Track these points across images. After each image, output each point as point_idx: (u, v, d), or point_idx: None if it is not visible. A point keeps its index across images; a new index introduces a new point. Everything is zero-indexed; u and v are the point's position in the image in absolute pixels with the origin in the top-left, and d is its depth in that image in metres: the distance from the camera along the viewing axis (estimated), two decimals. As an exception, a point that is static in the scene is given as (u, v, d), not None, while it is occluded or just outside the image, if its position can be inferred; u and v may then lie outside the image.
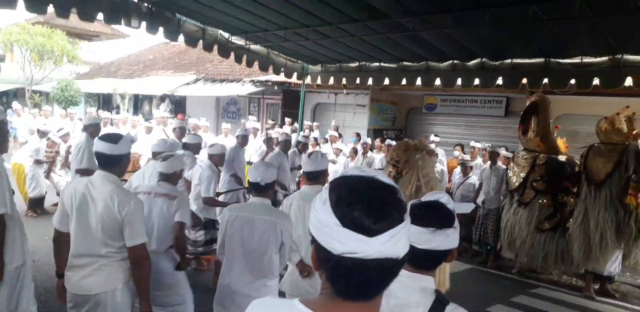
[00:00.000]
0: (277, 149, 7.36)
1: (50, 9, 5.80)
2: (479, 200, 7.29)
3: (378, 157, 8.29)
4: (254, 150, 9.21)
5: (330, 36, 6.11)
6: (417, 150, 4.22)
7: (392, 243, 0.90)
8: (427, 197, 1.62)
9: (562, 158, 6.07)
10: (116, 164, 2.82)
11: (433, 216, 1.53)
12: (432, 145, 8.49)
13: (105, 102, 19.12)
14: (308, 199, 3.35)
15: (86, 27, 21.92)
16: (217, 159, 5.49)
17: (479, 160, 8.36)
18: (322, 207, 0.95)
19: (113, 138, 2.83)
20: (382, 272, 0.93)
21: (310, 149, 10.04)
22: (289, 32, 6.37)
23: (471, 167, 7.64)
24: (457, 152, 8.87)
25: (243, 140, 7.32)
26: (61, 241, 2.83)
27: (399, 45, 6.21)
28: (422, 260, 1.52)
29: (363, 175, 0.99)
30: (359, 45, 6.51)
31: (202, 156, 6.41)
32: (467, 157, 7.94)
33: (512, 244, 6.21)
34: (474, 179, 7.57)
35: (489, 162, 7.30)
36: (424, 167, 4.03)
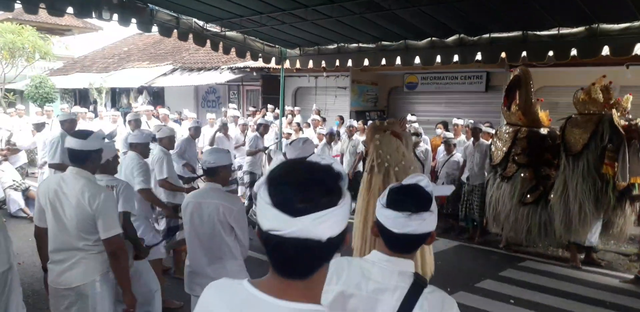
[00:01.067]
0: (254, 133, 7.89)
1: (18, 5, 5.63)
2: (464, 177, 7.36)
3: (360, 139, 8.27)
4: (234, 137, 9.19)
5: (306, 19, 6.03)
6: (380, 130, 4.15)
7: (314, 225, 0.93)
8: (406, 180, 1.62)
9: (543, 131, 6.16)
10: (85, 159, 2.86)
11: (409, 199, 1.53)
12: (414, 125, 8.54)
13: (82, 97, 18.78)
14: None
15: (57, 22, 21.33)
16: (167, 142, 5.52)
17: (462, 137, 8.41)
18: (261, 186, 0.99)
19: (82, 134, 2.88)
20: (305, 252, 0.96)
21: (294, 135, 10.05)
22: (265, 17, 6.27)
23: (454, 145, 7.70)
24: (439, 130, 8.91)
25: (195, 132, 7.49)
26: (42, 236, 2.93)
27: (376, 25, 6.15)
28: (400, 244, 1.54)
29: (309, 160, 1.04)
30: (336, 26, 6.44)
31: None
32: (450, 134, 7.98)
33: (497, 219, 6.32)
34: (457, 156, 7.63)
35: (472, 139, 7.35)
36: (382, 147, 3.95)
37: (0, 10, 5.83)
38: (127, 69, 17.75)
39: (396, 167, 3.88)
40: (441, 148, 8.12)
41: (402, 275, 1.52)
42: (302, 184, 0.96)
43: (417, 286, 1.49)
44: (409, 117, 9.88)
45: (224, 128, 8.64)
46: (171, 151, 5.78)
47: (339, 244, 1.00)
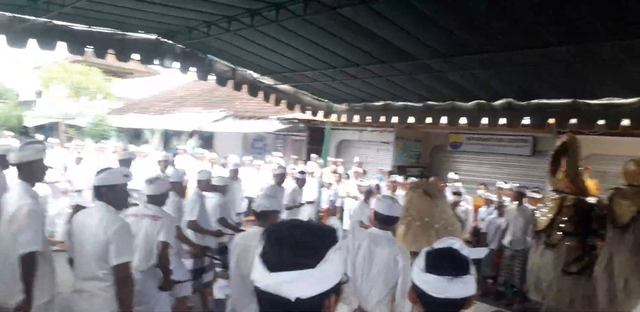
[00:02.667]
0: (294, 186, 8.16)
1: (89, 49, 6.13)
2: (506, 241, 7.14)
3: (401, 195, 8.20)
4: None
5: (356, 76, 6.25)
6: (414, 188, 4.56)
7: (287, 283, 0.96)
8: (439, 244, 1.63)
9: (591, 200, 5.96)
10: (107, 194, 3.03)
11: (448, 263, 1.53)
12: (456, 184, 8.44)
13: (136, 137, 19.63)
14: (378, 243, 3.28)
15: (121, 65, 22.83)
16: (204, 185, 5.79)
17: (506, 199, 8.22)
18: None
19: (104, 170, 3.14)
20: (275, 309, 0.99)
21: (334, 185, 10.10)
22: (317, 73, 6.54)
23: (504, 206, 7.47)
24: (480, 191, 8.77)
25: (234, 175, 8.18)
26: None
27: (424, 85, 6.30)
28: (440, 310, 1.52)
29: (310, 222, 1.11)
30: (384, 85, 6.63)
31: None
32: (493, 196, 7.83)
33: (538, 287, 6.02)
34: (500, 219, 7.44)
35: (515, 203, 7.19)
36: (412, 205, 4.29)
37: (73, 54, 6.36)
38: (182, 113, 18.58)
39: (418, 222, 4.15)
40: (483, 209, 7.95)
41: None
42: (287, 242, 1.01)
43: None
44: (451, 175, 9.79)
45: (278, 177, 8.64)
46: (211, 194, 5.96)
47: (314, 306, 0.99)
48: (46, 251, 3.13)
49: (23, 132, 23.52)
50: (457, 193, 7.47)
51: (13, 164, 3.22)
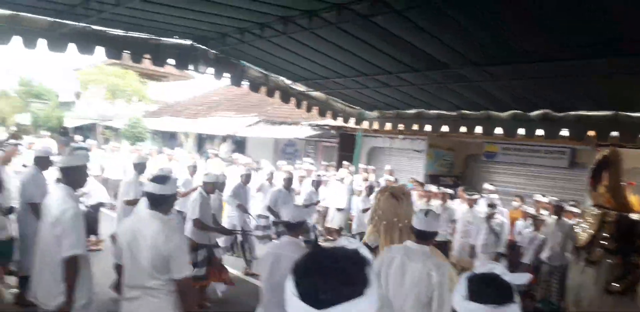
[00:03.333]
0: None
1: (126, 54, 6.25)
2: (544, 256, 6.89)
3: (435, 204, 8.03)
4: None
5: (389, 84, 6.17)
6: (382, 192, 5.10)
7: None
8: (480, 269, 1.55)
9: (634, 216, 5.70)
10: (163, 203, 3.02)
11: (492, 291, 1.44)
12: (492, 195, 8.21)
13: (170, 139, 20.00)
14: (413, 257, 3.21)
15: (157, 69, 23.35)
16: (210, 188, 6.26)
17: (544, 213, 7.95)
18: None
19: (162, 179, 3.05)
20: None
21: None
22: (349, 80, 6.49)
23: (543, 221, 7.22)
24: (515, 203, 8.52)
25: (246, 178, 8.35)
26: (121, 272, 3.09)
27: (458, 94, 6.16)
28: None
29: (334, 247, 1.01)
30: (417, 93, 6.52)
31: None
32: (531, 210, 7.59)
33: (578, 306, 5.81)
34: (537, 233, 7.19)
35: (553, 217, 6.94)
36: (380, 207, 4.84)
37: (111, 59, 6.54)
38: (215, 117, 18.83)
39: (385, 222, 4.68)
40: (520, 222, 7.71)
41: None
42: (325, 274, 0.93)
43: None
44: (486, 186, 9.54)
45: (286, 182, 8.83)
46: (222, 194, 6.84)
47: None
48: (86, 254, 3.19)
49: (62, 132, 24.34)
50: (491, 205, 7.23)
51: (59, 169, 3.31)
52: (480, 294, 1.43)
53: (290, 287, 0.95)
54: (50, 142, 13.44)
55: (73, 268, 3.00)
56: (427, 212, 3.34)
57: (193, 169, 8.80)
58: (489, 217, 7.08)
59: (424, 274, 3.09)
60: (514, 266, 7.43)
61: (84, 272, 3.14)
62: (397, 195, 4.88)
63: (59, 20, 5.45)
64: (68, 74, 25.53)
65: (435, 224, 3.32)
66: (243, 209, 7.85)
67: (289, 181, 8.69)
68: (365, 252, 1.02)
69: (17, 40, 5.54)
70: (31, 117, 23.39)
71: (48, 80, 30.41)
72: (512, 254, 7.77)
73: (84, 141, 16.25)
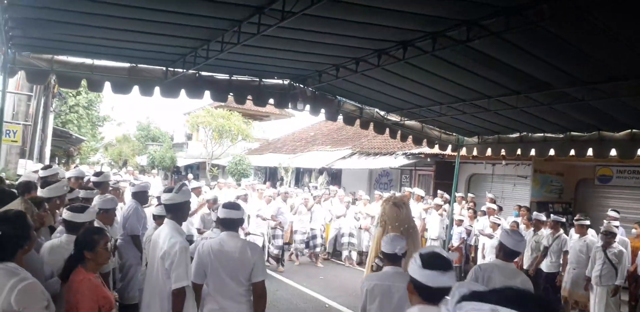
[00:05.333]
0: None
1: (230, 96, 6.73)
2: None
3: (545, 234, 7.46)
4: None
5: (488, 109, 6.02)
6: (386, 201, 6.15)
7: None
8: (425, 249, 2.24)
9: None
10: (237, 225, 3.63)
11: (440, 261, 2.15)
12: (613, 223, 7.50)
13: (272, 174, 20.81)
14: (506, 274, 3.50)
15: (259, 109, 24.65)
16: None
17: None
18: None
19: (234, 206, 3.63)
20: None
21: (467, 222, 9.62)
22: (445, 107, 6.43)
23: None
24: (635, 230, 7.70)
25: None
26: (199, 291, 3.41)
27: (565, 115, 5.84)
28: (435, 297, 2.03)
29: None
30: (519, 116, 6.28)
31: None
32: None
33: None
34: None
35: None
36: (385, 212, 5.95)
37: (217, 101, 7.07)
38: (312, 151, 19.37)
39: (390, 226, 5.79)
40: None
41: None
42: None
43: None
44: (610, 212, 8.78)
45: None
46: None
47: None
48: (191, 285, 3.36)
49: (175, 171, 26.31)
50: (608, 233, 6.57)
51: (164, 205, 3.55)
52: (431, 264, 2.08)
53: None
54: (158, 179, 14.66)
55: (181, 299, 3.17)
56: (519, 234, 3.67)
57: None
58: (605, 246, 6.47)
59: None
60: (637, 298, 6.67)
61: (189, 303, 3.28)
62: (398, 204, 6.04)
63: (172, 69, 6.06)
64: (179, 118, 27.80)
65: (523, 246, 3.71)
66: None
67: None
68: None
69: (135, 89, 6.24)
70: (148, 158, 25.64)
71: (163, 125, 33.38)
72: (634, 286, 6.99)
73: (195, 179, 17.45)
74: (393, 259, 3.28)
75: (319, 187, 15.93)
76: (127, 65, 5.99)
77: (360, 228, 10.63)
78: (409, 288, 2.14)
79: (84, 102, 20.97)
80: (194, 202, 9.83)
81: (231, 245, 3.42)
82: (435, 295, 2.04)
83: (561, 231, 7.31)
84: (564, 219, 7.78)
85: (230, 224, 3.53)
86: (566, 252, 7.10)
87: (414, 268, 2.11)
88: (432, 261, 2.09)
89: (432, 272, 2.05)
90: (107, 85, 6.08)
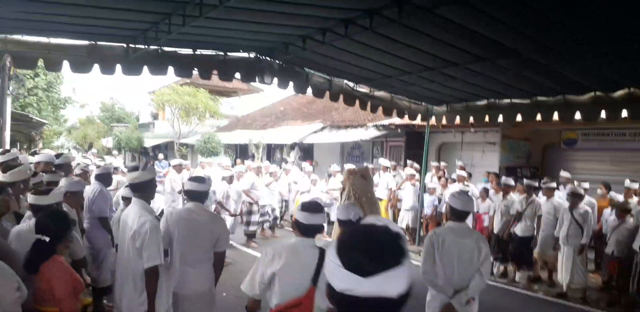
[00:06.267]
0: None
1: (195, 71, 6.55)
2: (635, 245, 6.39)
3: (517, 199, 7.65)
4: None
5: (456, 77, 6.04)
6: (353, 174, 6.44)
7: (385, 283, 1.02)
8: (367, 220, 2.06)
9: None
10: (204, 197, 3.92)
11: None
12: (584, 184, 7.76)
13: (242, 152, 20.64)
14: (460, 234, 3.65)
15: (225, 85, 24.19)
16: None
17: (634, 200, 7.39)
18: (331, 251, 1.10)
19: (199, 179, 3.88)
20: (377, 310, 1.04)
21: (439, 190, 9.80)
22: (413, 76, 6.42)
23: (628, 211, 6.69)
24: (600, 191, 7.99)
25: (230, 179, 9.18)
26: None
27: (531, 80, 5.92)
28: None
29: (370, 223, 1.15)
30: (487, 83, 6.33)
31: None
32: (619, 197, 7.08)
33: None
34: (630, 222, 6.68)
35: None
36: (354, 185, 6.17)
37: (181, 77, 6.89)
38: (282, 126, 19.24)
39: (364, 198, 6.09)
40: (607, 210, 7.22)
41: None
42: (370, 247, 1.05)
43: None
44: (563, 173, 9.08)
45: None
46: None
47: (406, 299, 1.06)
48: (165, 263, 3.31)
49: (143, 152, 25.82)
50: (574, 194, 6.78)
51: (130, 184, 3.47)
52: (307, 207, 2.78)
53: (334, 260, 1.06)
54: (120, 160, 14.64)
55: (154, 278, 3.13)
56: (466, 195, 3.82)
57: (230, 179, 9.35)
58: (572, 207, 6.69)
59: (475, 247, 3.57)
60: (602, 257, 6.98)
61: (162, 281, 3.24)
62: (366, 176, 6.42)
63: (133, 45, 5.83)
64: (144, 97, 27.09)
65: (472, 205, 3.81)
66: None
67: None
68: (395, 227, 1.14)
69: (96, 68, 5.99)
70: (114, 140, 25.03)
71: (127, 105, 32.51)
72: (600, 245, 7.30)
73: (165, 159, 17.19)
74: (348, 225, 3.33)
75: (289, 162, 15.92)
76: (85, 43, 5.73)
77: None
78: (293, 226, 2.83)
79: (43, 84, 20.20)
80: (177, 180, 9.78)
81: (199, 215, 3.74)
82: (308, 230, 2.74)
83: (534, 195, 7.52)
84: (536, 184, 8.00)
85: (197, 196, 3.83)
86: (540, 217, 7.33)
87: (296, 211, 2.83)
88: (308, 206, 2.81)
89: (305, 213, 2.73)
90: (66, 64, 5.79)
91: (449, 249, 3.58)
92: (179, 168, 10.37)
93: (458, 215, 3.70)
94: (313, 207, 2.85)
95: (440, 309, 3.59)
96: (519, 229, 7.38)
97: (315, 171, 12.91)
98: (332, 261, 1.07)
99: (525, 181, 7.82)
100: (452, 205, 3.73)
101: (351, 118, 16.29)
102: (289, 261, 2.67)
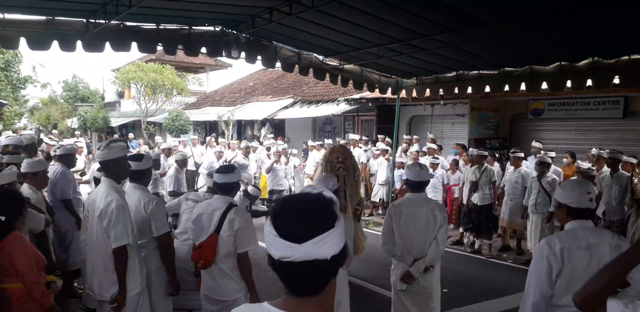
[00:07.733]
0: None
1: (160, 47, 6.35)
2: (599, 211, 6.63)
3: (471, 169, 7.79)
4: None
5: (425, 48, 6.02)
6: (341, 148, 6.08)
7: (318, 247, 1.08)
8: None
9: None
10: (141, 176, 3.61)
11: None
12: (550, 154, 7.95)
13: (212, 129, 20.36)
14: (416, 204, 3.74)
15: (192, 61, 23.63)
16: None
17: (606, 169, 7.58)
18: (267, 222, 1.15)
19: (138, 157, 3.63)
20: (313, 272, 1.11)
21: (410, 162, 9.92)
22: (382, 49, 6.38)
23: (592, 177, 6.90)
24: (565, 160, 8.22)
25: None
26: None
27: (498, 51, 5.95)
28: None
29: (304, 192, 1.31)
30: (455, 54, 6.34)
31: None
32: (586, 164, 7.28)
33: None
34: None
35: (608, 170, 6.66)
36: (347, 159, 5.82)
37: (145, 53, 6.68)
38: (252, 102, 18.98)
39: (357, 172, 5.90)
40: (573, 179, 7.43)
41: None
42: (301, 214, 1.12)
43: None
44: (534, 143, 9.27)
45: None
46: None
47: (341, 260, 1.14)
48: (134, 243, 3.24)
49: (109, 132, 25.20)
50: (542, 163, 6.97)
51: (99, 162, 3.35)
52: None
53: (270, 230, 1.11)
54: (83, 140, 14.41)
55: (123, 258, 3.06)
56: (419, 165, 3.88)
57: (219, 155, 9.48)
58: (540, 175, 6.87)
59: (430, 215, 3.70)
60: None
61: (135, 261, 3.18)
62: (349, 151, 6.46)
63: (93, 21, 5.58)
64: (108, 75, 26.25)
65: (426, 175, 3.86)
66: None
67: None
68: (328, 194, 1.27)
69: (55, 45, 5.73)
70: (79, 120, 24.28)
71: (92, 83, 31.46)
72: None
73: (134, 138, 16.84)
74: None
75: (261, 139, 15.80)
76: (42, 18, 5.46)
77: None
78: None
79: (0, 63, 19.30)
80: (165, 164, 9.51)
81: (131, 196, 3.52)
82: (221, 188, 3.31)
83: (486, 164, 7.66)
84: (486, 153, 8.13)
85: (133, 176, 3.60)
86: (494, 182, 7.51)
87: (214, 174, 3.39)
88: (221, 168, 3.41)
89: (218, 174, 3.34)
90: (23, 41, 5.53)
91: (405, 219, 3.71)
92: (168, 152, 10.02)
93: (414, 186, 3.81)
94: (225, 168, 3.47)
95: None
96: (477, 199, 7.54)
97: (288, 147, 12.85)
98: (268, 231, 1.12)
99: (474, 150, 7.98)
100: (407, 176, 3.88)
101: (322, 93, 16.18)
102: (200, 212, 3.37)
